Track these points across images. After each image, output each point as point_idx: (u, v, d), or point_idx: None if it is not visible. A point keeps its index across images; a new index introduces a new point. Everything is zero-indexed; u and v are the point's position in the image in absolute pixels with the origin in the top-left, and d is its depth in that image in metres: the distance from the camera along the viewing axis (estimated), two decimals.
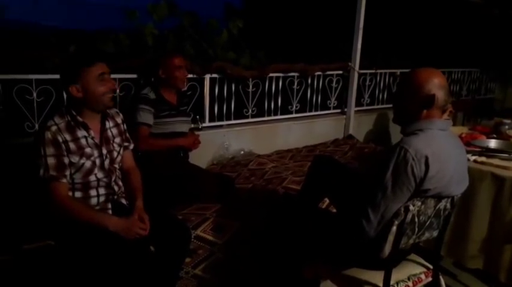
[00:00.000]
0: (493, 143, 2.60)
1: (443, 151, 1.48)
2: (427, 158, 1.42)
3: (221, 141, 3.35)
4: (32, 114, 2.49)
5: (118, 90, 2.72)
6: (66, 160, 1.65)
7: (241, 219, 2.29)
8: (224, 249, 2.17)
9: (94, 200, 1.75)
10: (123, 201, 1.87)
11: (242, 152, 3.40)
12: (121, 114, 1.93)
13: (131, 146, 1.98)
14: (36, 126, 2.49)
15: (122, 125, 1.91)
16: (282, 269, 1.99)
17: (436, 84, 1.50)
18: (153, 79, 2.63)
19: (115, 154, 1.83)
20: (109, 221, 1.67)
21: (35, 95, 2.46)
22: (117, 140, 1.86)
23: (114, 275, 1.57)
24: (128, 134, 1.96)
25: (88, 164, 1.71)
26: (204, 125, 3.23)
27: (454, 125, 3.23)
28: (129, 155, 1.96)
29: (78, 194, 1.72)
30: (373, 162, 3.44)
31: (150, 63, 2.68)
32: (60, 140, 1.63)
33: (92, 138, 1.73)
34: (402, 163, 1.42)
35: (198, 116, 3.10)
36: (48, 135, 1.62)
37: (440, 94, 1.51)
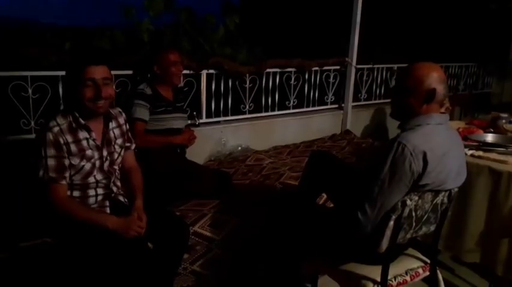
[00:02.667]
0: (490, 138, 2.60)
1: (441, 146, 1.48)
2: (425, 154, 1.42)
3: (218, 137, 3.35)
4: (28, 112, 2.48)
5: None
6: (66, 162, 1.63)
7: (239, 215, 2.29)
8: (222, 245, 2.17)
9: (92, 200, 1.74)
10: (121, 199, 1.87)
11: (239, 148, 3.40)
12: (124, 114, 1.91)
13: (133, 146, 1.96)
14: (32, 123, 2.48)
15: (124, 126, 1.89)
16: (280, 264, 1.99)
17: (436, 79, 1.50)
18: (149, 75, 2.62)
19: (115, 155, 1.82)
20: (108, 221, 1.66)
21: (30, 92, 2.45)
22: (119, 141, 1.84)
23: (112, 272, 1.56)
24: (129, 134, 1.94)
25: (88, 166, 1.69)
26: (201, 121, 3.22)
27: (451, 119, 3.23)
28: (130, 155, 1.95)
29: (76, 193, 1.71)
30: (370, 157, 3.45)
31: (145, 59, 2.66)
32: (62, 141, 1.61)
33: (94, 140, 1.71)
34: (400, 159, 1.42)
35: (195, 112, 3.09)
36: (50, 136, 1.59)
37: (440, 88, 1.51)
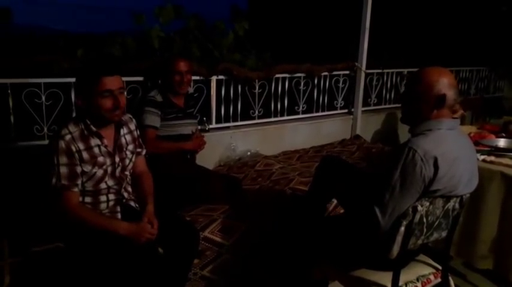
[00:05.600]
0: (502, 142, 2.58)
1: (452, 151, 1.47)
2: (436, 159, 1.41)
3: (228, 142, 3.36)
4: (41, 118, 2.52)
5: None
6: (78, 169, 1.65)
7: (249, 220, 2.29)
8: (232, 250, 2.17)
9: (103, 205, 1.76)
10: (132, 204, 1.88)
11: (249, 153, 3.40)
12: (134, 120, 1.93)
13: (144, 152, 1.98)
14: (45, 129, 2.52)
15: (135, 132, 1.91)
16: (290, 270, 1.99)
17: (446, 84, 1.50)
18: (159, 82, 2.65)
19: (127, 161, 1.84)
20: (119, 227, 1.67)
21: (43, 98, 2.49)
22: (130, 147, 1.86)
23: (123, 277, 1.58)
24: (140, 140, 1.96)
25: (100, 173, 1.71)
26: (210, 126, 3.24)
27: (462, 124, 3.21)
28: (141, 160, 1.97)
29: (88, 199, 1.73)
30: (381, 162, 3.43)
31: (156, 65, 2.69)
32: (74, 149, 1.63)
33: (105, 146, 1.73)
34: (410, 164, 1.41)
35: (205, 118, 3.11)
36: (62, 144, 1.61)
37: (450, 94, 1.50)
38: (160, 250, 1.81)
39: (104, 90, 1.63)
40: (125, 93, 1.82)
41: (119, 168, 1.79)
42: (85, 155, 1.66)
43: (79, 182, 1.66)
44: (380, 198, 1.47)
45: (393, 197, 1.45)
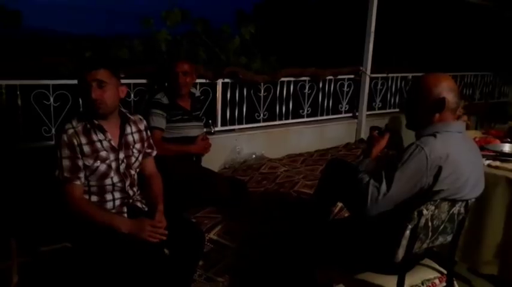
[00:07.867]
0: (507, 147, 2.57)
1: (459, 153, 1.48)
2: (440, 159, 1.43)
3: (233, 145, 3.38)
4: (49, 119, 2.54)
5: (130, 95, 2.77)
6: (80, 163, 1.68)
7: (254, 222, 2.30)
8: (237, 252, 2.18)
9: (110, 204, 1.78)
10: (139, 204, 1.90)
11: (254, 156, 3.42)
12: (144, 121, 1.95)
13: (154, 153, 1.99)
14: (53, 130, 2.55)
15: (144, 132, 1.93)
16: (295, 272, 1.99)
17: (445, 88, 1.53)
18: (166, 84, 2.67)
19: (133, 159, 1.85)
20: (121, 222, 1.68)
21: (52, 100, 2.52)
22: (138, 146, 1.88)
23: (129, 278, 1.59)
24: (151, 141, 1.97)
25: (103, 167, 1.73)
26: (216, 129, 3.26)
27: (467, 129, 3.20)
28: (151, 162, 1.98)
29: (94, 198, 1.75)
30: (386, 165, 3.43)
31: (163, 68, 2.72)
32: (76, 143, 1.67)
33: (109, 141, 1.75)
34: (415, 159, 1.44)
35: (210, 121, 3.13)
36: (65, 138, 1.67)
37: (450, 97, 1.53)
38: (166, 251, 1.83)
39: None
40: (115, 89, 1.75)
41: (123, 164, 1.80)
42: (86, 148, 1.69)
43: (81, 175, 1.69)
44: (377, 182, 1.48)
45: (389, 184, 1.46)
